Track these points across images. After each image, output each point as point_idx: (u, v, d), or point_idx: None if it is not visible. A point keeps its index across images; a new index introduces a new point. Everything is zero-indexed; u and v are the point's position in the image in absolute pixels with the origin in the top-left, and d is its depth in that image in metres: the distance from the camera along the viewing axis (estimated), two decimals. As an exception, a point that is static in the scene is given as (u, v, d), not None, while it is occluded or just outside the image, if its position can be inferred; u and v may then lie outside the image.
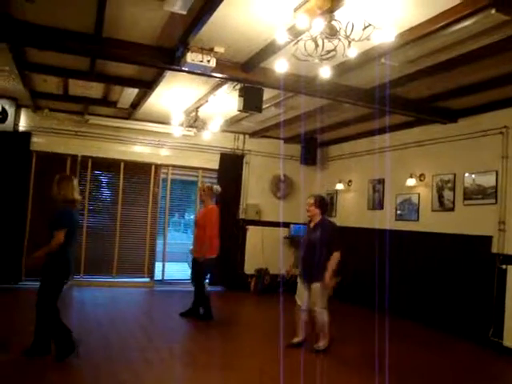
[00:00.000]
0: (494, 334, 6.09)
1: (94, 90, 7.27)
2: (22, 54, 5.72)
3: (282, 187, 10.23)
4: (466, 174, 6.76)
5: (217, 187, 7.20)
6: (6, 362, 4.45)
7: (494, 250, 6.25)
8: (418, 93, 6.25)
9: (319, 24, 3.67)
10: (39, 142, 8.55)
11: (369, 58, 4.89)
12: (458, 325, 6.63)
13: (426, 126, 7.52)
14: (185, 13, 4.22)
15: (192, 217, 10.34)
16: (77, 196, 4.77)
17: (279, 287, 9.43)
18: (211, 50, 5.10)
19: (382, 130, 8.23)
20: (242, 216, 9.87)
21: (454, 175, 6.97)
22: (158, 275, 9.52)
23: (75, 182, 4.88)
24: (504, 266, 6.05)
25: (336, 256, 5.37)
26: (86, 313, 7.07)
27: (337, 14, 3.76)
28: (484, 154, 6.54)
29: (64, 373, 4.36)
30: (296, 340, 5.61)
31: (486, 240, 6.34)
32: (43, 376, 4.26)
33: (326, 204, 5.87)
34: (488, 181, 6.42)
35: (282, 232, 9.97)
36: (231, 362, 5.09)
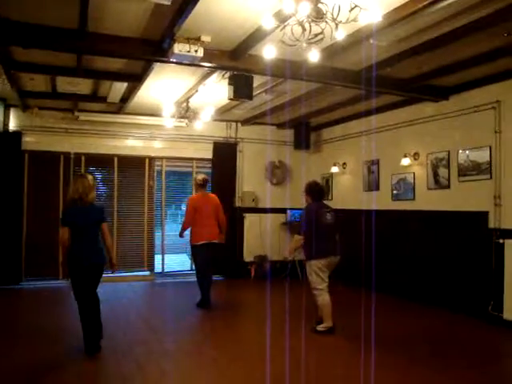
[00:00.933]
0: (493, 308, 6.13)
1: (83, 86, 7.20)
2: (7, 53, 5.65)
3: (277, 173, 10.22)
4: (460, 151, 6.76)
5: (195, 176, 7.48)
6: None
7: (491, 225, 6.28)
8: (408, 72, 6.22)
9: (305, 8, 3.62)
10: (31, 142, 8.49)
11: (357, 39, 4.86)
12: (458, 301, 6.68)
13: (417, 104, 7.50)
14: (169, 3, 4.19)
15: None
16: (79, 195, 4.87)
17: (279, 273, 9.50)
18: (198, 39, 5.06)
19: (373, 111, 8.21)
20: (238, 204, 9.87)
21: (448, 152, 6.97)
22: (157, 268, 9.54)
23: (85, 180, 4.99)
24: (501, 241, 6.08)
25: (295, 238, 5.89)
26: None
27: (322, -4, 3.72)
28: (477, 129, 6.54)
29: (69, 366, 4.40)
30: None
31: (483, 215, 6.36)
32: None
33: (314, 190, 5.95)
34: (482, 156, 6.42)
35: (280, 218, 10.01)
36: (235, 352, 5.11)
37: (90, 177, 5.11)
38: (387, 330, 5.79)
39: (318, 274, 5.63)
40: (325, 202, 6.11)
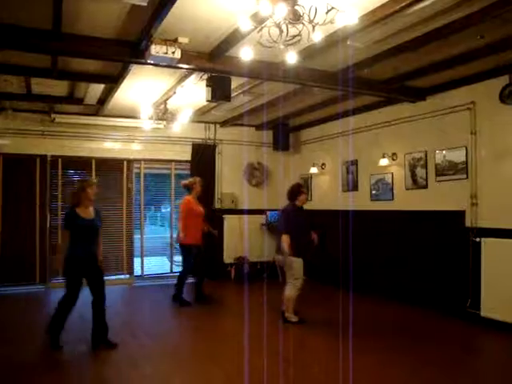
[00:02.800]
0: (471, 305, 6.22)
1: (59, 87, 7.10)
2: (-22, 55, 5.54)
3: (257, 175, 10.22)
4: (437, 151, 6.84)
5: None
6: None
7: (468, 223, 6.37)
8: (386, 73, 6.27)
9: (282, 9, 3.62)
10: (5, 144, 8.32)
11: (334, 40, 4.87)
12: (436, 299, 6.76)
13: (395, 105, 7.57)
14: (145, 4, 4.14)
15: (168, 209, 10.27)
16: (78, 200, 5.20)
17: (259, 274, 9.50)
18: (175, 41, 5.01)
19: (352, 112, 8.28)
20: (217, 206, 9.84)
21: (426, 153, 7.05)
22: (137, 271, 9.46)
23: (89, 187, 5.26)
24: (478, 239, 6.17)
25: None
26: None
27: (299, -2, 3.72)
28: (453, 130, 6.62)
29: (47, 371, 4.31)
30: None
31: (460, 214, 6.45)
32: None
33: (290, 192, 6.36)
34: (458, 156, 6.51)
35: (259, 219, 10.01)
36: (214, 354, 5.09)
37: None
38: (363, 325, 5.99)
39: (300, 270, 6.12)
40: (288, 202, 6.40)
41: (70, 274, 5.11)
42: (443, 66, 5.84)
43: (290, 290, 6.08)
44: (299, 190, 6.35)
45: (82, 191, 5.21)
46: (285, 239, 5.99)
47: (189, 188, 7.48)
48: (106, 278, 8.84)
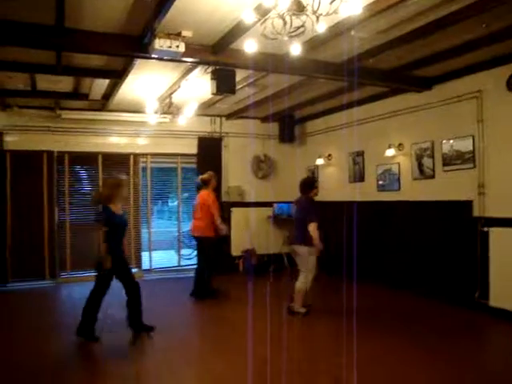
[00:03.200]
0: (480, 295, 6.21)
1: (64, 83, 7.11)
2: (-18, 52, 5.55)
3: (263, 167, 10.22)
4: (444, 141, 6.80)
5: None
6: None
7: (476, 213, 6.33)
8: (391, 63, 6.22)
9: (286, 1, 3.61)
10: (12, 141, 8.36)
11: (338, 31, 4.84)
12: (444, 290, 6.74)
13: (401, 95, 7.52)
14: (148, -2, 4.13)
15: (176, 203, 10.29)
16: (112, 197, 5.29)
17: (266, 266, 9.52)
18: (179, 34, 4.99)
19: (357, 103, 8.24)
20: (224, 199, 9.84)
21: (432, 142, 7.01)
22: (145, 265, 9.49)
23: (124, 185, 5.50)
24: (486, 229, 6.14)
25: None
26: (77, 308, 7.03)
27: (302, -11, 3.70)
28: (460, 119, 6.57)
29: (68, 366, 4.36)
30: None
31: (467, 204, 6.41)
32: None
33: (301, 184, 6.46)
34: (465, 146, 6.46)
35: (266, 211, 10.01)
36: (224, 346, 5.13)
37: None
38: (371, 314, 6.14)
39: None
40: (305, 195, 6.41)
41: (109, 271, 5.19)
42: (449, 55, 5.79)
43: (301, 283, 6.10)
44: (314, 183, 6.53)
45: (117, 188, 5.28)
46: (315, 228, 5.95)
47: (206, 182, 7.54)
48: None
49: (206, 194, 7.47)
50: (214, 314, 6.60)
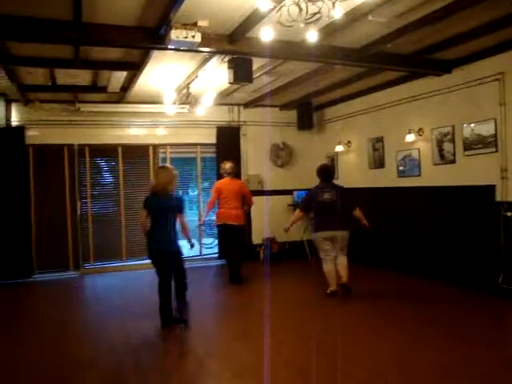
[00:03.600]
0: (503, 281, 6.13)
1: (82, 77, 7.18)
2: (3, 48, 5.62)
3: (282, 155, 10.19)
4: (465, 125, 6.68)
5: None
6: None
7: (498, 198, 6.23)
8: (409, 47, 6.12)
9: (301, -12, 3.58)
10: (34, 135, 8.49)
11: (355, 16, 4.80)
12: (467, 275, 6.67)
13: (420, 79, 7.41)
14: (163, -11, 4.13)
15: (196, 192, 10.34)
16: (154, 183, 5.60)
17: (287, 254, 9.54)
18: (195, 24, 4.98)
19: (376, 88, 8.17)
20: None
21: (453, 127, 6.90)
22: (167, 254, 9.56)
23: (163, 171, 5.66)
24: (509, 214, 6.04)
25: (295, 213, 6.71)
26: (102, 298, 7.18)
27: (318, -25, 3.66)
28: (481, 102, 6.45)
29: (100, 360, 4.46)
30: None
31: (490, 189, 6.31)
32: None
33: (318, 172, 6.67)
34: (487, 129, 6.35)
35: (286, 199, 10.01)
36: (246, 332, 5.19)
37: (170, 168, 5.67)
38: (394, 297, 6.29)
39: (319, 245, 6.51)
40: (333, 181, 6.70)
41: (170, 259, 5.37)
42: (470, 36, 5.66)
43: (345, 260, 6.41)
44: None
45: (175, 179, 5.52)
46: (360, 212, 6.48)
47: (233, 171, 7.77)
48: (136, 262, 9.21)
49: (241, 183, 7.79)
50: (242, 301, 6.70)
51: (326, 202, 6.39)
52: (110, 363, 4.36)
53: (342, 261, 6.38)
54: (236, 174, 7.72)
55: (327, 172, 6.70)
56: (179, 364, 4.39)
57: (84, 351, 4.73)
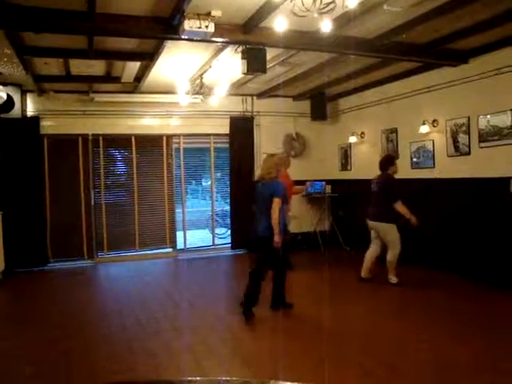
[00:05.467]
0: (518, 274, 6.08)
1: (96, 67, 7.21)
2: (19, 39, 5.67)
3: (295, 145, 10.16)
4: (480, 116, 6.60)
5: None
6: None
7: (514, 190, 6.17)
8: (425, 37, 6.05)
9: (314, -23, 3.55)
10: (48, 125, 8.56)
11: (370, 6, 4.75)
12: (482, 269, 6.60)
13: (435, 70, 7.32)
14: (176, -20, 4.12)
15: (209, 183, 10.37)
16: (259, 173, 5.79)
17: (300, 245, 9.54)
18: (208, 14, 4.98)
19: (390, 79, 8.09)
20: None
21: (468, 118, 6.82)
22: (180, 244, 9.65)
23: (264, 160, 5.79)
24: (525, 206, 5.99)
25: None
26: (115, 287, 7.27)
27: (332, -36, 3.63)
28: (498, 93, 6.36)
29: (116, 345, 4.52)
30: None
31: (505, 181, 6.24)
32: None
33: (381, 161, 6.84)
34: (503, 121, 6.26)
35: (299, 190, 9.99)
36: (257, 323, 5.20)
37: (271, 157, 5.72)
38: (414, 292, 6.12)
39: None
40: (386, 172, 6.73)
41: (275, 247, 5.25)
42: (487, 26, 5.56)
43: (390, 256, 6.52)
44: (392, 160, 6.79)
45: (275, 167, 5.46)
46: (400, 206, 6.44)
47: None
48: (149, 251, 9.28)
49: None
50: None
51: (373, 192, 6.75)
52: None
53: (369, 252, 6.78)
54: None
55: (380, 162, 6.83)
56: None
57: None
